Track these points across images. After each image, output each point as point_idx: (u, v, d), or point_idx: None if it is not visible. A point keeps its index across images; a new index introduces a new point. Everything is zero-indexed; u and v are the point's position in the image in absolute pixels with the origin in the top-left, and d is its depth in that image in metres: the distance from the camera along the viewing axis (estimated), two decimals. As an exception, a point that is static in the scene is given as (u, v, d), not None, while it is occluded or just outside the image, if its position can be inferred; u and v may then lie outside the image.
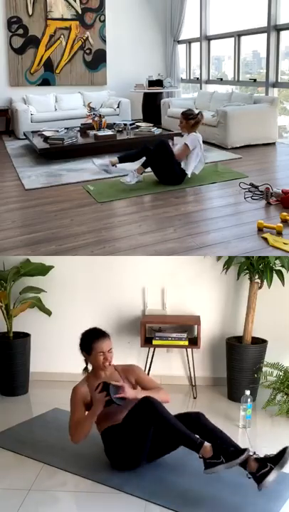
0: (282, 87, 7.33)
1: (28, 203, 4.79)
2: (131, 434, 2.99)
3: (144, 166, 5.12)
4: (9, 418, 3.88)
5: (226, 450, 2.74)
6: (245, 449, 2.74)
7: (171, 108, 8.15)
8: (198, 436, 2.86)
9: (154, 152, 5.06)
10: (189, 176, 5.12)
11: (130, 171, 5.15)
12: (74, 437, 3.09)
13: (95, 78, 9.30)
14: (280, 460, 2.73)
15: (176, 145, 5.21)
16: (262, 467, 2.74)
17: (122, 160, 5.34)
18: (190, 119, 5.04)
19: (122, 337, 4.55)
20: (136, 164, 5.20)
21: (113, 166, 5.37)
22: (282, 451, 2.77)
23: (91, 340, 3.16)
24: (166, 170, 5.06)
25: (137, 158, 5.23)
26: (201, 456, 2.77)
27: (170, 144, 5.23)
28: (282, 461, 2.73)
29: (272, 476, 2.71)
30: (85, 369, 3.26)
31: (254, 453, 2.81)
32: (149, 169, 5.15)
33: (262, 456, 2.81)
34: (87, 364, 3.24)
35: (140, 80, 9.10)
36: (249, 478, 2.76)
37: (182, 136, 5.25)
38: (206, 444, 2.77)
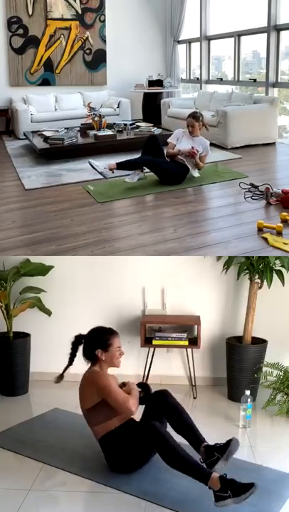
0: (282, 87, 7.33)
1: (28, 203, 4.79)
2: (134, 453, 3.03)
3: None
4: (9, 418, 3.87)
5: (233, 484, 2.70)
6: (252, 484, 2.70)
7: (171, 108, 8.15)
8: (205, 466, 2.84)
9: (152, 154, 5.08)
10: (196, 176, 5.17)
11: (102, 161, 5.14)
12: (131, 408, 2.99)
13: (95, 78, 9.30)
14: (240, 494, 2.70)
15: (180, 142, 5.16)
16: (209, 456, 2.90)
17: (121, 167, 5.13)
18: (200, 122, 5.12)
19: (122, 337, 4.50)
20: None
21: (110, 170, 5.17)
22: (248, 487, 2.71)
23: (108, 336, 3.19)
24: (166, 171, 5.08)
25: (138, 168, 5.14)
26: (209, 487, 2.73)
27: (173, 141, 5.21)
28: (242, 496, 2.70)
29: (219, 465, 2.84)
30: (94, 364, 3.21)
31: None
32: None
33: (212, 444, 2.94)
34: (96, 362, 3.18)
35: (140, 80, 9.10)
36: (201, 462, 2.88)
37: (193, 137, 5.17)
38: (214, 475, 2.74)
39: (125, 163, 5.14)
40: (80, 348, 3.25)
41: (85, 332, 3.27)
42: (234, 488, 2.68)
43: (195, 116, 5.12)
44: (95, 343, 3.17)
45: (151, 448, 3.00)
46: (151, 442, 2.92)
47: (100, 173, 5.12)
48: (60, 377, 3.31)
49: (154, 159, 5.12)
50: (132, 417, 3.14)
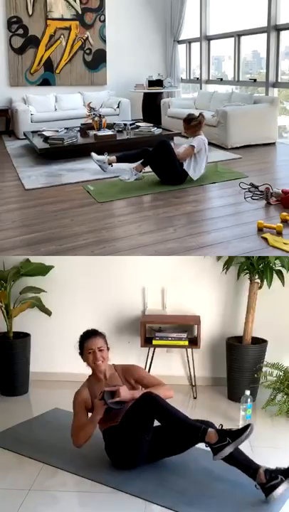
0: (282, 87, 7.34)
1: (28, 203, 4.80)
2: (132, 429, 3.00)
3: (144, 164, 5.12)
4: (9, 418, 3.87)
5: (230, 431, 2.77)
6: (248, 425, 2.75)
7: (171, 108, 8.15)
8: (200, 424, 2.87)
9: (155, 152, 5.06)
10: (194, 179, 5.13)
11: (129, 168, 5.15)
12: (76, 442, 3.13)
13: (95, 78, 9.30)
14: (238, 436, 2.77)
15: (179, 146, 5.20)
16: (272, 479, 2.76)
17: (120, 160, 5.26)
18: (192, 123, 5.06)
19: (122, 337, 4.55)
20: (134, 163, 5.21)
21: (110, 164, 5.28)
22: (244, 428, 2.80)
23: (82, 340, 3.24)
24: (168, 170, 5.07)
25: (136, 160, 5.19)
26: (207, 443, 2.77)
27: (172, 144, 5.23)
28: (240, 438, 2.78)
29: (281, 489, 2.73)
30: None
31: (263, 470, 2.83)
32: (149, 169, 5.16)
33: (273, 467, 2.83)
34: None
35: (140, 80, 9.11)
36: (257, 489, 2.78)
37: (187, 138, 5.20)
38: (210, 429, 2.79)
39: (123, 156, 5.22)
40: None
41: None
42: (231, 434, 2.72)
43: (185, 119, 5.10)
44: (79, 348, 3.27)
45: (149, 422, 2.97)
46: (147, 408, 2.92)
47: (100, 166, 5.16)
48: None
49: (149, 149, 5.13)
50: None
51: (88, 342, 3.20)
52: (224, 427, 2.90)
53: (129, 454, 3.06)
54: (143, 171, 5.16)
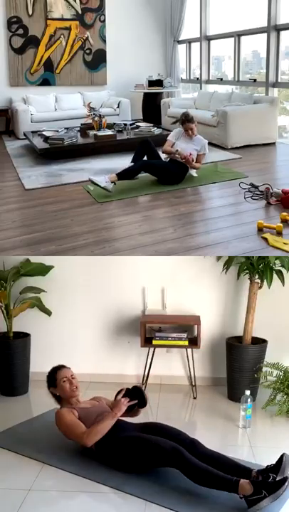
0: (282, 87, 7.34)
1: (28, 203, 4.79)
2: (143, 463, 3.03)
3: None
4: (9, 418, 3.87)
5: (265, 482, 2.62)
6: (286, 478, 2.62)
7: (171, 108, 8.15)
8: (230, 476, 2.73)
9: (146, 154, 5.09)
10: (196, 175, 5.18)
11: (104, 175, 4.97)
12: (89, 440, 3.12)
13: (95, 78, 9.30)
14: (275, 490, 2.64)
15: (176, 145, 5.17)
16: (256, 493, 2.65)
17: (121, 177, 4.98)
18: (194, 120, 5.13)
19: (122, 337, 4.55)
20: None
21: (112, 182, 4.92)
22: (281, 482, 2.65)
23: (54, 372, 3.40)
24: (166, 169, 5.08)
25: (137, 174, 5.08)
26: (241, 495, 2.65)
27: (172, 139, 5.21)
28: (278, 492, 2.63)
29: (264, 503, 2.63)
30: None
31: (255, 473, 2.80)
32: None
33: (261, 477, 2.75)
34: (59, 402, 3.39)
35: (140, 80, 9.11)
36: (241, 498, 2.68)
37: (191, 137, 5.17)
38: (242, 481, 2.66)
39: (125, 172, 5.01)
40: None
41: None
42: (268, 486, 2.59)
43: (190, 120, 5.11)
44: (47, 384, 3.41)
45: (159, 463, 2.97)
46: (174, 463, 2.88)
47: (103, 188, 4.93)
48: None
49: (150, 162, 5.13)
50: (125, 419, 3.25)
51: (61, 372, 3.37)
52: (257, 468, 2.80)
53: (135, 467, 3.09)
54: (115, 183, 4.94)
